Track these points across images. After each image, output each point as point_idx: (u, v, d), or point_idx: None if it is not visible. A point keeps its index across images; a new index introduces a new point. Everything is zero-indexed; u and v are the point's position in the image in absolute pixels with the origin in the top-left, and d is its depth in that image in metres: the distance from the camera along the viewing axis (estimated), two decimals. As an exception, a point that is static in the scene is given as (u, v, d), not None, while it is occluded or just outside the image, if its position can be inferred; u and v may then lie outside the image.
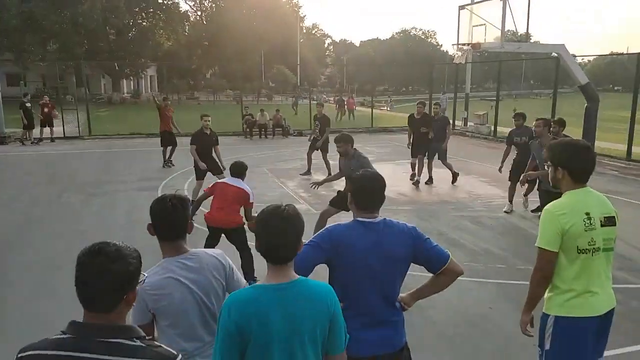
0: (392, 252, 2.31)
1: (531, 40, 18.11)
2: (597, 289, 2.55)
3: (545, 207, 2.60)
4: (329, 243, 2.29)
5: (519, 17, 14.09)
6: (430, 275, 2.46)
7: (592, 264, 2.54)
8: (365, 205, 2.38)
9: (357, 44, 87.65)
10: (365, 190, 2.40)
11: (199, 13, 58.08)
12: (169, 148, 12.84)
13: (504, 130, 19.38)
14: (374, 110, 24.41)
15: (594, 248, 2.51)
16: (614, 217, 2.59)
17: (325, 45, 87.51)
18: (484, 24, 12.70)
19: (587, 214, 2.51)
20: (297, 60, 52.84)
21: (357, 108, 31.43)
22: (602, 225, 2.53)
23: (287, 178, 11.52)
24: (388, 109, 39.35)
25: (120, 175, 11.86)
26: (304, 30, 70.15)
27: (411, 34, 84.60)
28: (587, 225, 2.49)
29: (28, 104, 17.26)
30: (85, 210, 8.72)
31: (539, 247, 2.58)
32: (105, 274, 1.49)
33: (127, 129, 20.25)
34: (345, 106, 30.01)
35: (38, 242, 6.99)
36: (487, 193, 9.99)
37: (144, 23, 46.39)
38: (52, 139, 17.76)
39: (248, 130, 19.68)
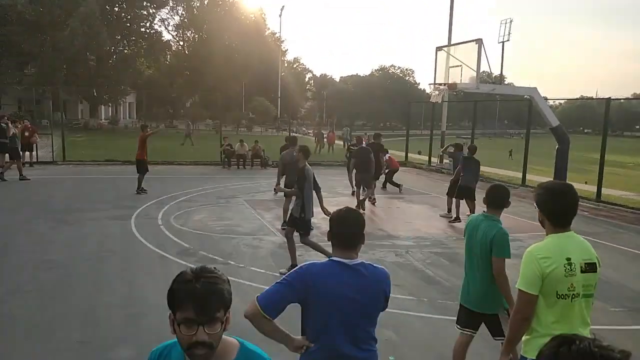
0: (367, 296, 2.28)
1: (505, 82, 18.73)
2: None
3: (527, 249, 2.59)
4: (303, 283, 2.23)
5: (494, 60, 14.56)
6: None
7: (572, 309, 2.51)
8: (341, 244, 2.33)
9: (337, 79, 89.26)
10: (342, 228, 2.34)
11: (181, 43, 58.50)
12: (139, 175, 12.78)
13: (481, 168, 19.79)
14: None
15: (573, 294, 2.49)
16: (595, 263, 2.56)
17: (306, 79, 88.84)
18: (460, 65, 13.11)
19: (568, 259, 2.48)
20: (278, 93, 53.42)
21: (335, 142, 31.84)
22: (582, 272, 2.50)
23: (263, 209, 11.44)
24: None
25: (93, 202, 11.61)
26: (286, 64, 71.18)
27: (390, 71, 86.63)
28: (567, 270, 2.46)
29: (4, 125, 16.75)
30: (54, 239, 8.46)
31: (519, 289, 2.55)
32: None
33: (102, 156, 19.97)
34: (325, 139, 30.40)
35: (1, 273, 6.72)
36: (461, 230, 10.06)
37: (126, 50, 46.48)
38: (31, 164, 17.33)
39: (226, 160, 19.63)
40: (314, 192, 6.93)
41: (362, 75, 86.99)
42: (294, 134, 23.43)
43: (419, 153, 24.97)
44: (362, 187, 11.38)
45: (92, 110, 44.58)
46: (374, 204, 12.06)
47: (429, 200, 13.38)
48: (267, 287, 2.29)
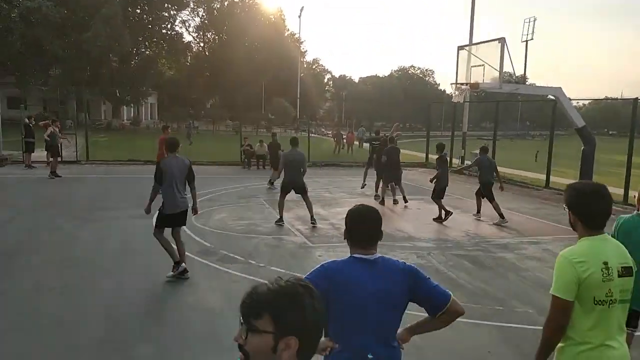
0: (389, 290, 2.23)
1: (528, 82, 18.41)
2: (614, 343, 2.41)
3: (561, 253, 2.47)
4: (323, 280, 2.20)
5: (517, 59, 14.34)
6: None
7: (609, 316, 2.40)
8: (360, 241, 2.31)
9: (356, 80, 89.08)
10: (360, 225, 2.32)
11: (201, 44, 59.08)
12: None
13: (502, 170, 19.50)
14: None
15: (611, 300, 2.37)
16: (631, 267, 2.45)
17: (325, 80, 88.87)
18: (483, 65, 12.92)
19: (605, 263, 2.37)
20: (297, 94, 53.53)
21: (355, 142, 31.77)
22: (619, 276, 2.38)
23: (284, 209, 11.42)
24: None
25: (116, 201, 11.77)
26: (305, 65, 71.29)
27: (409, 72, 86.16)
28: (605, 275, 2.35)
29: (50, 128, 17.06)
30: (78, 237, 8.59)
31: (553, 295, 2.43)
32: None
33: (125, 155, 20.25)
34: (345, 140, 30.33)
35: (29, 268, 6.84)
36: (484, 232, 9.94)
37: (147, 52, 47.17)
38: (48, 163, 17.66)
39: (246, 160, 19.72)
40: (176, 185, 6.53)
41: (381, 76, 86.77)
42: (312, 134, 23.49)
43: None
44: (388, 185, 12.54)
45: (115, 111, 45.33)
46: (382, 203, 12.25)
47: (450, 202, 13.16)
48: None
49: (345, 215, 2.40)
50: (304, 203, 10.07)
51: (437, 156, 11.53)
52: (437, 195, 10.85)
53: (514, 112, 70.87)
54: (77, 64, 38.12)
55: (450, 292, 2.33)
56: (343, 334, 2.21)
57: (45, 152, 16.32)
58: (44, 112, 36.33)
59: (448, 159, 12.22)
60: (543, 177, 16.55)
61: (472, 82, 13.22)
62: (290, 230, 9.49)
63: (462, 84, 13.85)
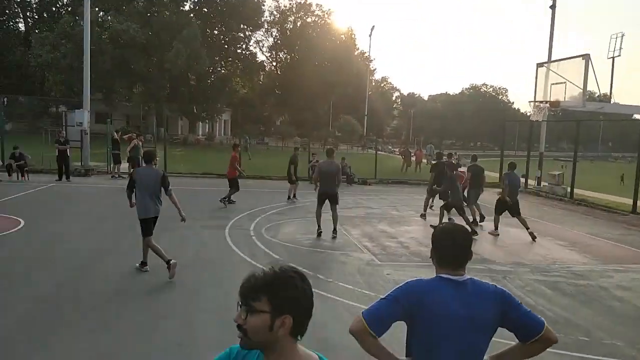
0: (478, 314, 2.11)
1: (612, 102, 17.32)
2: None
3: None
4: (408, 298, 2.12)
5: (601, 76, 13.53)
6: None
7: None
8: (449, 262, 2.20)
9: (426, 98, 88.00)
10: (447, 244, 2.22)
11: (274, 64, 60.87)
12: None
13: (582, 192, 18.42)
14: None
15: None
16: None
17: (393, 97, 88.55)
18: (564, 82, 12.32)
19: None
20: (365, 111, 53.66)
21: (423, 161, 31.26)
22: None
23: (350, 226, 11.39)
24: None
25: (190, 212, 12.20)
26: (373, 83, 71.48)
27: (481, 90, 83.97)
28: None
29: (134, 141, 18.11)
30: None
31: None
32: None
33: (199, 169, 21.10)
34: (413, 158, 29.92)
35: (110, 274, 7.23)
36: (564, 257, 9.35)
37: (223, 71, 49.25)
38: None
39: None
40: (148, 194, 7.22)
41: (451, 93, 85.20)
42: (379, 152, 23.49)
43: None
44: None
45: (191, 127, 47.53)
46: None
47: (530, 225, 12.59)
48: (372, 303, 2.20)
49: (431, 234, 2.31)
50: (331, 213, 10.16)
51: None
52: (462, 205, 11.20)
53: (594, 132, 66.95)
54: (158, 82, 40.49)
55: (544, 320, 2.18)
56: (426, 354, 2.12)
57: (128, 164, 17.32)
58: (127, 126, 38.82)
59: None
60: (629, 201, 15.40)
61: (552, 99, 12.62)
62: (357, 247, 9.41)
63: (541, 101, 13.27)
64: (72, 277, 6.97)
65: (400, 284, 2.23)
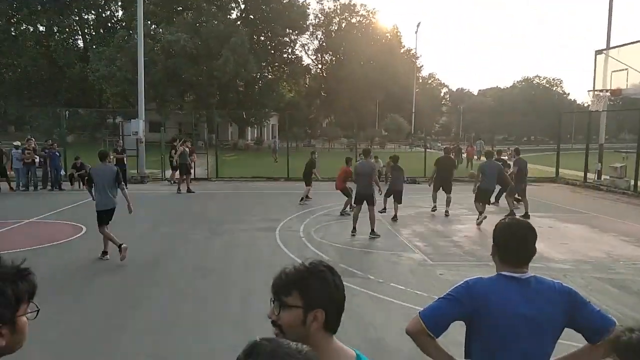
0: (543, 313, 2.01)
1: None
2: None
3: None
4: (469, 298, 2.04)
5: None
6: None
7: None
8: (512, 259, 2.10)
9: (475, 93, 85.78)
10: (510, 241, 2.11)
11: (319, 66, 61.14)
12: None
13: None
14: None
15: None
16: None
17: (442, 94, 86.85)
18: (626, 69, 11.66)
19: None
20: (412, 109, 52.90)
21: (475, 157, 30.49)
22: None
23: (400, 225, 11.26)
24: (508, 158, 37.33)
25: (242, 215, 12.47)
26: (420, 80, 70.38)
27: (534, 82, 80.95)
28: None
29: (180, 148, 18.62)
30: (209, 247, 9.21)
31: None
32: None
33: (249, 173, 21.49)
34: (464, 154, 29.28)
35: (167, 276, 7.47)
36: (630, 254, 8.84)
37: (270, 76, 50.00)
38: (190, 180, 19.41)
39: (362, 176, 19.78)
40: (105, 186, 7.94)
41: (502, 87, 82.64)
42: (428, 149, 23.16)
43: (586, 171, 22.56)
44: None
45: (241, 132, 48.50)
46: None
47: (587, 220, 12.02)
48: (430, 303, 2.14)
49: (493, 230, 2.21)
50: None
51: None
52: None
53: (659, 121, 63.07)
54: (208, 90, 41.58)
55: (615, 319, 2.04)
56: (487, 356, 2.04)
57: (176, 170, 17.79)
58: (180, 134, 40.09)
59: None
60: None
61: (613, 88, 11.97)
62: (408, 247, 9.27)
63: (601, 90, 12.61)
64: (130, 280, 7.25)
65: (459, 283, 2.15)
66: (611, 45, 15.08)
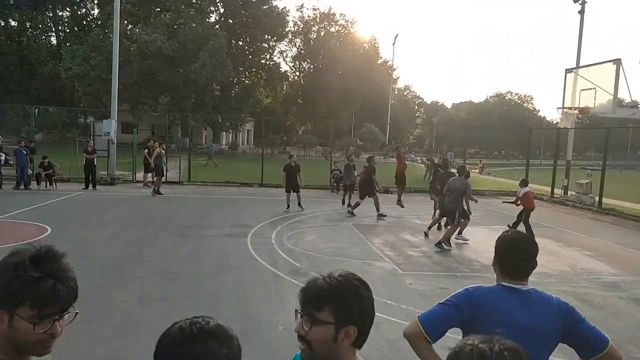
0: (540, 325, 2.04)
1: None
2: None
3: None
4: (468, 304, 2.06)
5: (632, 82, 13.19)
6: None
7: None
8: (512, 271, 2.14)
9: (449, 106, 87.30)
10: (511, 254, 2.15)
11: (297, 73, 61.29)
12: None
13: (611, 202, 17.92)
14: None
15: None
16: None
17: (416, 106, 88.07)
18: (594, 88, 12.05)
19: None
20: (388, 120, 53.46)
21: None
22: None
23: (372, 235, 11.32)
24: (479, 171, 38.06)
25: (213, 220, 12.34)
26: (396, 92, 71.25)
27: (506, 98, 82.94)
28: None
29: (157, 150, 18.34)
30: (177, 252, 9.07)
31: None
32: None
33: (222, 177, 21.29)
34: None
35: (134, 280, 7.32)
36: (592, 268, 9.10)
37: (247, 81, 49.84)
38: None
39: (335, 184, 19.88)
40: None
41: (475, 102, 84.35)
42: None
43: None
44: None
45: (215, 136, 48.08)
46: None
47: (553, 234, 12.33)
48: (430, 307, 2.15)
49: (496, 241, 2.24)
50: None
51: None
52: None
53: (623, 140, 65.20)
54: (183, 93, 41.16)
55: (608, 337, 2.08)
56: None
57: (151, 173, 17.61)
58: (152, 136, 39.53)
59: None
60: (662, 211, 14.93)
61: (581, 106, 12.35)
62: (379, 256, 9.32)
63: (569, 108, 13.00)
64: (95, 283, 7.08)
65: (459, 290, 2.17)
66: (581, 64, 15.62)
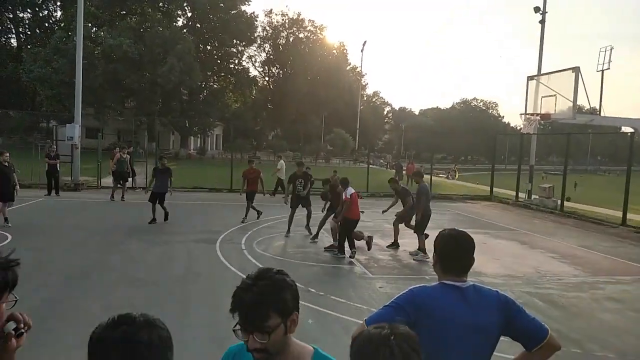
0: (482, 320, 2.07)
1: (601, 114, 17.29)
2: None
3: None
4: (413, 306, 2.08)
5: (591, 89, 13.69)
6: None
7: None
8: (452, 268, 2.16)
9: (417, 112, 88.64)
10: (452, 250, 2.18)
11: (266, 78, 61.15)
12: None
13: (573, 205, 18.52)
14: (433, 178, 24.13)
15: None
16: None
17: (385, 112, 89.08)
18: (554, 95, 12.46)
19: None
20: (357, 125, 53.89)
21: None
22: None
23: (343, 240, 11.32)
24: (448, 177, 38.73)
25: (181, 226, 12.14)
26: (365, 97, 71.94)
27: (472, 104, 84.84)
28: None
29: (125, 156, 17.82)
30: (144, 259, 8.88)
31: None
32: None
33: (191, 183, 20.99)
34: (404, 171, 29.98)
35: (99, 288, 7.12)
36: (556, 270, 9.36)
37: (215, 85, 49.39)
38: (135, 189, 18.70)
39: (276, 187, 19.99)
40: None
41: (442, 108, 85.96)
42: (372, 165, 23.61)
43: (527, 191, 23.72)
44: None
45: (183, 141, 47.43)
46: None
47: (518, 237, 12.64)
48: (376, 310, 2.16)
49: (434, 240, 2.25)
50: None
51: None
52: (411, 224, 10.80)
53: (584, 145, 67.63)
54: (150, 97, 40.44)
55: (548, 327, 2.13)
56: None
57: (112, 178, 17.24)
58: (118, 141, 38.67)
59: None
60: (618, 214, 15.51)
61: (542, 112, 12.75)
62: (349, 260, 9.35)
63: (531, 114, 13.40)
64: (59, 292, 6.86)
65: (404, 291, 2.18)
66: (542, 72, 16.12)
